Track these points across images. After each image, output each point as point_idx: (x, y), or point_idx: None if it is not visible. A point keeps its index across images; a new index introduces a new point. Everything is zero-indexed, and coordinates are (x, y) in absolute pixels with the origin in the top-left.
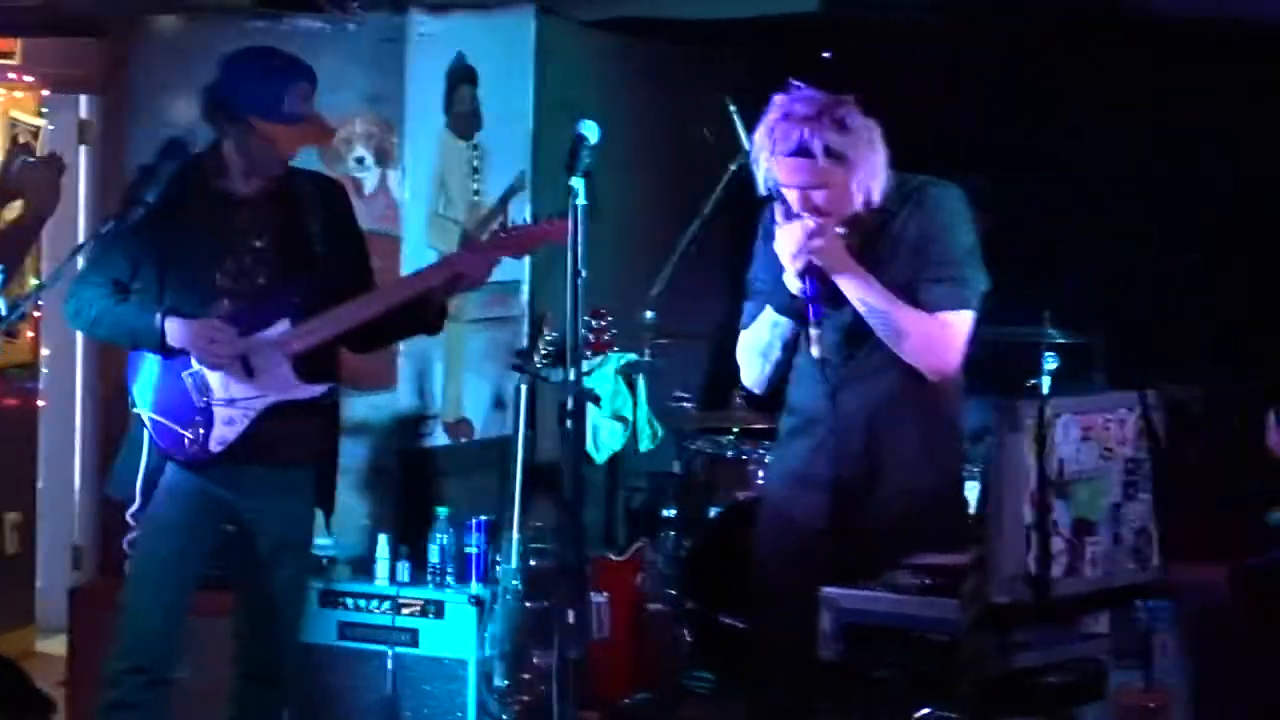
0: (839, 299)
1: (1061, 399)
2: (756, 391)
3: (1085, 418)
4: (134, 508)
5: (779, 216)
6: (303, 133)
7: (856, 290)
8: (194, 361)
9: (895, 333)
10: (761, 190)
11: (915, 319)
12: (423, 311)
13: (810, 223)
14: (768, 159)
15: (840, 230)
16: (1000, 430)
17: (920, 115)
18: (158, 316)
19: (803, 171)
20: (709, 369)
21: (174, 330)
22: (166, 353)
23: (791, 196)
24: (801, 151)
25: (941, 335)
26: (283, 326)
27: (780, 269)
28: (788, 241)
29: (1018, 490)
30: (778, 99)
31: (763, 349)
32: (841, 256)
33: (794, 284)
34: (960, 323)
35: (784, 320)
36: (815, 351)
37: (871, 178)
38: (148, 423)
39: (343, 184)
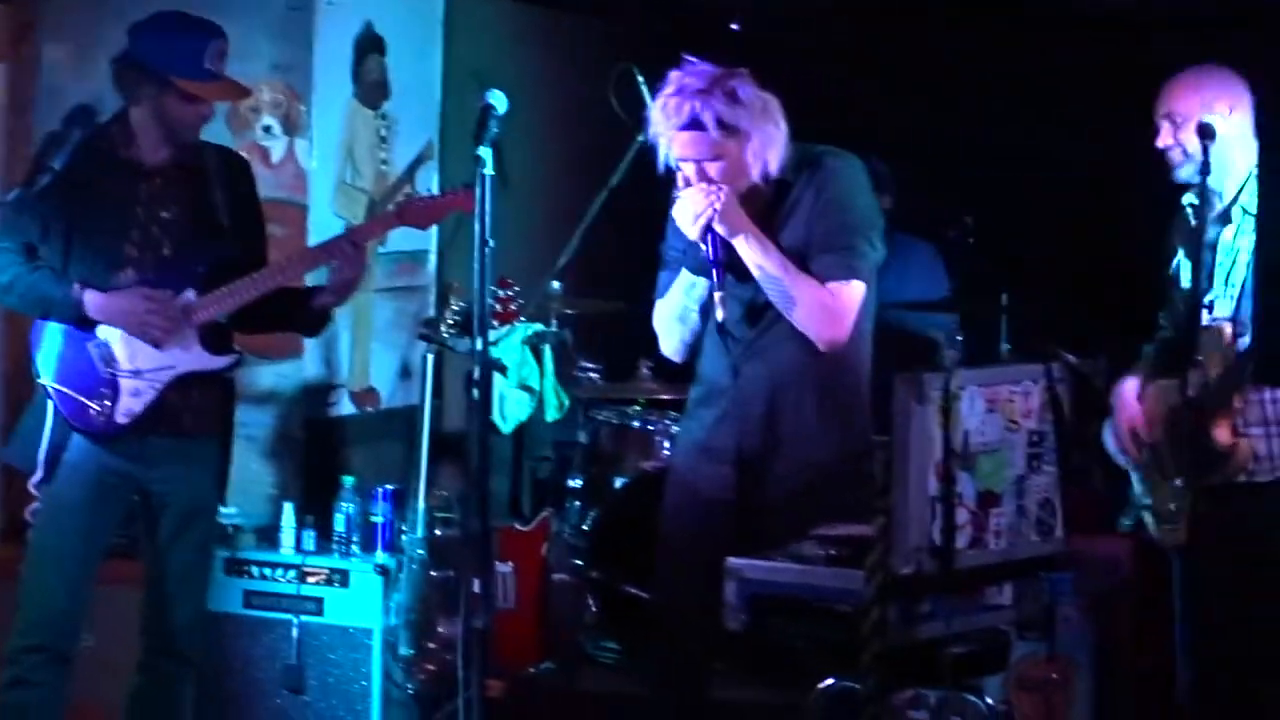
0: (742, 271)
1: (967, 371)
2: (676, 360)
3: (990, 390)
4: (37, 478)
5: (681, 181)
6: (222, 89)
7: (753, 254)
8: (100, 331)
9: (787, 299)
10: (661, 168)
11: (806, 287)
12: (300, 309)
13: (707, 187)
14: (664, 134)
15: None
16: (905, 402)
17: (822, 90)
18: (74, 288)
19: (696, 144)
20: (615, 339)
21: (96, 303)
22: (78, 324)
23: (688, 170)
24: (694, 124)
25: (831, 305)
26: (188, 297)
27: (686, 238)
28: (686, 207)
29: (923, 462)
30: (671, 75)
31: (679, 314)
32: (739, 219)
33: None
34: (850, 293)
35: (700, 281)
36: (720, 315)
37: (767, 149)
38: (52, 393)
39: (248, 161)
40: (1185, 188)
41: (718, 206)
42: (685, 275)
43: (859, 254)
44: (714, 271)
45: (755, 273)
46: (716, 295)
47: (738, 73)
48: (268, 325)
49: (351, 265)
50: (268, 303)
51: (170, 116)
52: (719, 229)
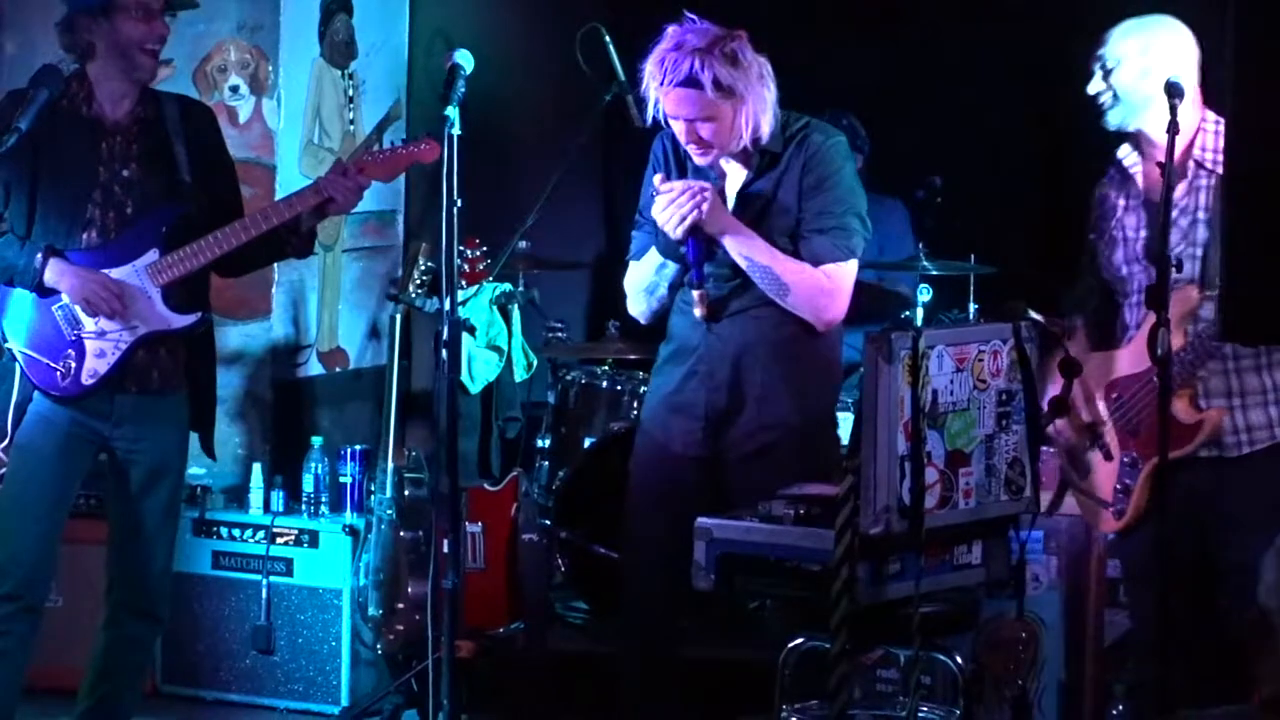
0: (710, 249)
1: (935, 330)
2: (642, 322)
3: (959, 349)
4: (4, 443)
5: (657, 182)
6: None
7: (739, 248)
8: (65, 295)
9: (780, 286)
10: (648, 121)
11: (798, 272)
12: (290, 236)
13: (690, 187)
14: (657, 90)
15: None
16: (874, 361)
17: (792, 49)
18: (37, 257)
19: (691, 103)
20: (584, 299)
21: (54, 271)
22: (40, 291)
23: (678, 128)
24: (691, 82)
25: (826, 287)
26: (151, 256)
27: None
28: (670, 207)
29: (891, 421)
30: (670, 30)
31: (647, 287)
32: (724, 217)
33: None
34: (846, 272)
35: (670, 264)
36: (699, 313)
37: (760, 114)
38: (19, 357)
39: (211, 108)
40: (1118, 138)
41: (704, 209)
42: (655, 254)
43: (851, 232)
44: (695, 272)
45: (743, 264)
46: (696, 294)
47: (737, 34)
48: (258, 264)
49: (345, 195)
50: (257, 242)
51: (125, 41)
52: (706, 229)
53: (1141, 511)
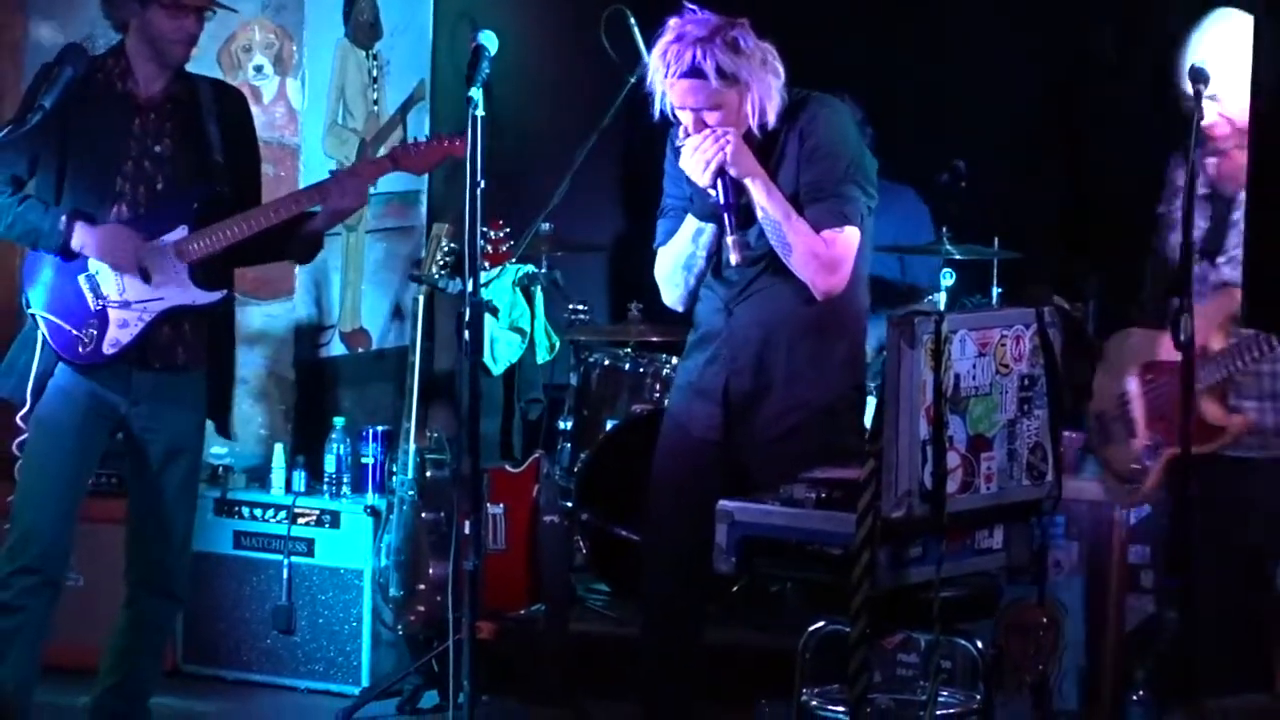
0: (740, 215)
1: (958, 315)
2: (678, 309)
3: (981, 334)
4: (24, 411)
5: (682, 133)
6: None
7: (761, 195)
8: (91, 264)
9: (785, 244)
10: (657, 115)
11: (804, 234)
12: (295, 238)
13: (714, 131)
14: (663, 82)
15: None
16: (896, 345)
17: (808, 34)
18: (62, 219)
19: (696, 93)
20: (606, 281)
21: (80, 234)
22: (66, 255)
23: (685, 119)
24: (694, 72)
25: (825, 253)
26: (180, 233)
27: (690, 185)
28: (695, 152)
29: (914, 406)
30: (671, 22)
31: (685, 260)
32: (749, 161)
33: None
34: (843, 240)
35: (707, 227)
36: (735, 259)
37: (765, 100)
38: (42, 323)
39: (244, 94)
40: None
41: (729, 150)
42: (691, 222)
43: (849, 200)
44: (726, 216)
45: (759, 214)
46: (729, 239)
47: (739, 22)
48: (261, 257)
49: (349, 198)
50: (260, 235)
51: (156, 33)
52: (731, 172)
53: (1152, 495)
